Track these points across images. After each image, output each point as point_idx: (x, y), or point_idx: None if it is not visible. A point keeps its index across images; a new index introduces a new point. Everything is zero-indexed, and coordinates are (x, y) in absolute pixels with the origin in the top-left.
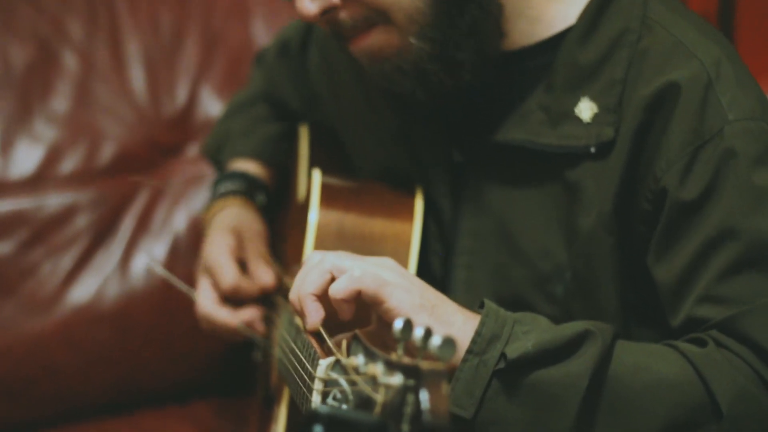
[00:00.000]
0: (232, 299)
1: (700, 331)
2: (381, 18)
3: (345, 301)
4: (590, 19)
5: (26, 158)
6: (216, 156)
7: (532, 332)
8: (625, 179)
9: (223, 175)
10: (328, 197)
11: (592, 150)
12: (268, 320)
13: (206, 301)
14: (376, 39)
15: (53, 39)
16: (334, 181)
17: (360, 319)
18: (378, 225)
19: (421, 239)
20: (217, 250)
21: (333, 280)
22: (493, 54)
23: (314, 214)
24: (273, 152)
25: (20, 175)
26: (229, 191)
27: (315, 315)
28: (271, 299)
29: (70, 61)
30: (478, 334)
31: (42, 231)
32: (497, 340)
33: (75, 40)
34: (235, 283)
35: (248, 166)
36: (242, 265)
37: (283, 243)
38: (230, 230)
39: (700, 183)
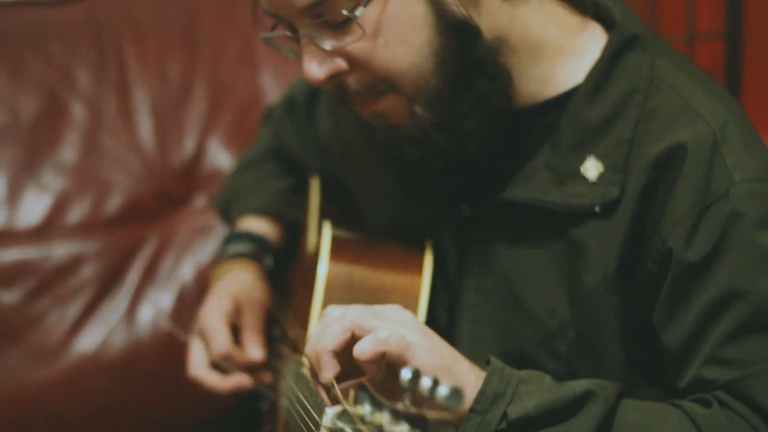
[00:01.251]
0: (222, 365)
1: (706, 392)
2: (388, 86)
3: (369, 362)
4: (598, 79)
5: (34, 207)
6: (226, 212)
7: (535, 392)
8: (630, 239)
9: (233, 235)
10: (338, 249)
11: (597, 209)
12: (275, 370)
13: (196, 365)
14: (384, 106)
15: (61, 89)
16: (344, 233)
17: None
18: (387, 278)
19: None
20: (213, 315)
21: (353, 336)
22: (500, 122)
23: (324, 266)
24: (282, 207)
25: (27, 224)
26: (237, 253)
27: (330, 371)
28: (278, 349)
29: (78, 110)
30: (481, 393)
31: (48, 280)
32: (500, 399)
33: (83, 90)
34: (226, 351)
35: (257, 223)
36: (237, 331)
37: (293, 294)
38: (229, 295)
39: (706, 244)
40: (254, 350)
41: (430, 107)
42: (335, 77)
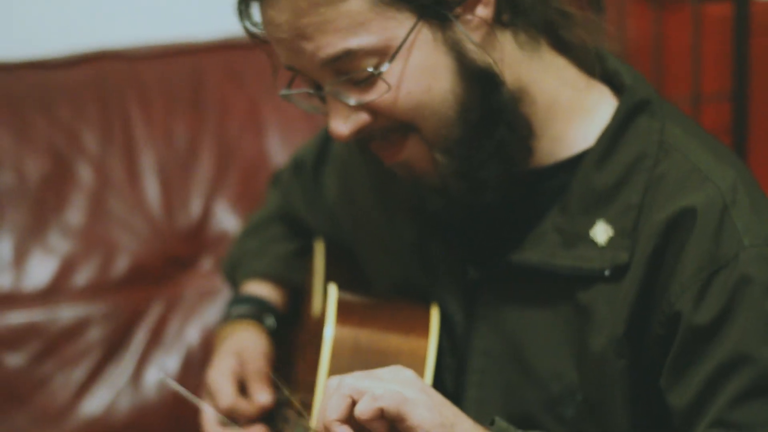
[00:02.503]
0: (234, 419)
1: None
2: (409, 129)
3: (371, 420)
4: (608, 143)
5: (40, 270)
6: (231, 276)
7: None
8: (639, 303)
9: (235, 298)
10: (344, 312)
11: (607, 273)
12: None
13: (209, 425)
14: (406, 154)
15: (68, 151)
16: (349, 296)
17: None
18: (394, 340)
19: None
20: (217, 373)
21: (353, 402)
22: (517, 175)
23: (330, 330)
24: (285, 272)
25: (34, 287)
26: (239, 315)
27: None
28: (284, 414)
29: (84, 173)
30: None
31: (54, 343)
32: None
33: (90, 153)
34: (231, 404)
35: (260, 287)
36: (244, 387)
37: (298, 357)
38: (233, 353)
39: (715, 308)
40: (261, 395)
41: (450, 154)
42: (360, 131)
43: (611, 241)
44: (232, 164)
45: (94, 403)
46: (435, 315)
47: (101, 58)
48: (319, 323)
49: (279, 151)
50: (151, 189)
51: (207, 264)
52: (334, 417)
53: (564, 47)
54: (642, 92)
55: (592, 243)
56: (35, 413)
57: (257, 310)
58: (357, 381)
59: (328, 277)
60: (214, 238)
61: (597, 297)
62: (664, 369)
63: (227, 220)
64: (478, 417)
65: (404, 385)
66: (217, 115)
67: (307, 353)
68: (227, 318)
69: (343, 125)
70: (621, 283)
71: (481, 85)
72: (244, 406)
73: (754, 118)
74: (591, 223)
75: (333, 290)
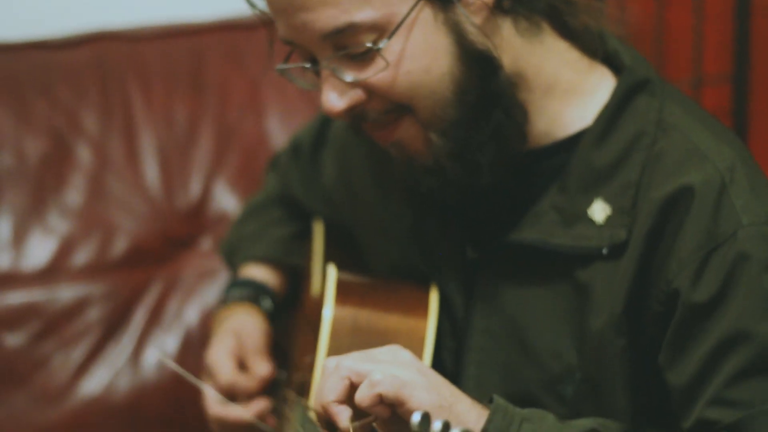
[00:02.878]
0: (236, 396)
1: None
2: (404, 111)
3: (372, 406)
4: (606, 122)
5: (39, 250)
6: (230, 259)
7: (538, 431)
8: (637, 281)
9: (233, 282)
10: (343, 293)
11: (605, 251)
12: (281, 415)
13: (213, 404)
14: (400, 134)
15: (67, 132)
16: (348, 276)
17: None
18: (393, 321)
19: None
20: (216, 352)
21: (351, 383)
22: (513, 157)
23: (329, 310)
24: (283, 254)
25: (33, 267)
26: (236, 298)
27: (343, 415)
28: (283, 394)
29: (84, 153)
30: (484, 431)
31: (54, 323)
32: None
33: (89, 133)
34: (231, 380)
35: (258, 270)
36: (243, 365)
37: (298, 338)
38: (231, 333)
39: (713, 286)
40: (260, 367)
41: (445, 135)
42: (354, 108)
43: (609, 219)
44: (231, 145)
45: (93, 383)
46: (434, 295)
47: (101, 39)
48: (318, 304)
49: (279, 133)
50: (151, 169)
51: (206, 244)
52: (332, 398)
53: (566, 31)
54: (641, 72)
55: (591, 221)
56: (34, 393)
57: (254, 293)
58: (355, 363)
59: (327, 258)
60: (214, 218)
61: (596, 276)
62: (663, 347)
63: (227, 201)
64: (477, 396)
65: (402, 368)
66: (218, 96)
67: (306, 334)
68: (225, 301)
69: (337, 101)
70: (619, 261)
71: (479, 68)
72: (244, 383)
73: (754, 100)
74: (589, 202)
75: (332, 271)
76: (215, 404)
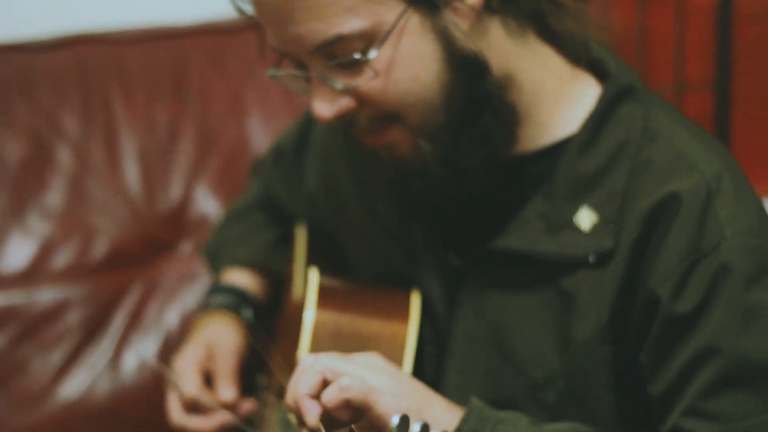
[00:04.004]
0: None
1: None
2: (394, 119)
3: (337, 409)
4: (592, 130)
5: (19, 253)
6: (213, 264)
7: None
8: (623, 290)
9: (215, 287)
10: (325, 297)
11: (591, 260)
12: (261, 418)
13: (175, 413)
14: (390, 138)
15: (48, 134)
16: (330, 281)
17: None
18: (375, 326)
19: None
20: (184, 362)
21: (325, 380)
22: (500, 161)
23: (311, 314)
24: (266, 260)
25: (13, 269)
26: (216, 305)
27: (313, 411)
28: (263, 398)
29: (64, 156)
30: (458, 431)
31: (33, 326)
32: None
33: (70, 136)
34: (194, 394)
35: (241, 276)
36: (210, 379)
37: (279, 342)
38: (203, 344)
39: (694, 298)
40: (225, 391)
41: (434, 141)
42: (344, 116)
43: (595, 227)
44: (213, 149)
45: (73, 386)
46: (416, 301)
47: (83, 41)
48: (300, 308)
49: (260, 137)
50: (132, 173)
51: (186, 248)
52: (304, 392)
53: (550, 36)
54: (626, 79)
55: (576, 229)
56: (13, 396)
57: (236, 302)
58: (331, 361)
59: (310, 263)
60: (194, 222)
61: (581, 284)
62: (642, 354)
63: (207, 205)
64: (458, 403)
65: (373, 372)
66: (199, 100)
67: (288, 337)
68: (206, 306)
69: (326, 108)
70: (606, 270)
71: (467, 73)
72: (207, 399)
73: (736, 106)
74: (575, 209)
75: (314, 275)
76: (177, 413)
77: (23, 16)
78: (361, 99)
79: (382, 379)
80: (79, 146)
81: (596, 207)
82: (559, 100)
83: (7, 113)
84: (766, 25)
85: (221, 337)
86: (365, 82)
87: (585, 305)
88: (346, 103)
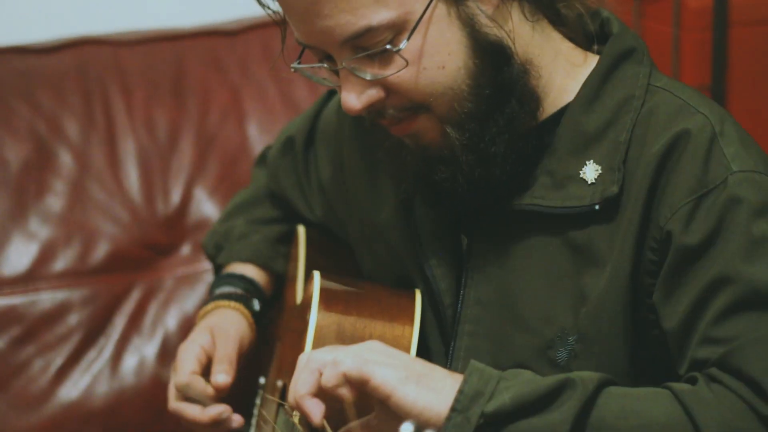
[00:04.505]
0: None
1: (700, 372)
2: (422, 108)
3: (337, 387)
4: (593, 89)
5: (20, 255)
6: (214, 257)
7: (513, 387)
8: (640, 236)
9: (222, 276)
10: (328, 299)
11: (597, 207)
12: (262, 418)
13: (171, 400)
14: (417, 127)
15: (49, 137)
16: (333, 283)
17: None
18: (377, 328)
19: (421, 338)
20: (186, 349)
21: (321, 375)
22: (523, 145)
23: (314, 316)
24: (271, 256)
25: (13, 271)
26: (224, 294)
27: (316, 410)
28: (264, 397)
29: (65, 159)
30: (461, 392)
31: (33, 328)
32: (480, 397)
33: (71, 139)
34: (186, 381)
35: (247, 269)
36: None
37: (280, 342)
38: (208, 330)
39: (704, 229)
40: (219, 376)
41: (461, 128)
42: (372, 106)
43: (600, 176)
44: (212, 152)
45: (73, 389)
46: (418, 303)
47: (83, 44)
48: (303, 309)
49: (259, 139)
50: (132, 176)
51: (186, 251)
52: (305, 392)
53: (559, 21)
54: (629, 41)
55: (582, 181)
56: (13, 398)
57: (245, 291)
58: (323, 354)
59: (310, 264)
60: (194, 225)
61: (593, 235)
62: (655, 291)
63: (207, 208)
64: (466, 366)
65: (366, 350)
66: (199, 103)
67: (290, 339)
68: (212, 295)
69: (356, 99)
70: (618, 219)
71: (493, 60)
72: (200, 386)
73: (732, 110)
74: (581, 165)
75: (317, 277)
76: (173, 399)
77: (24, 19)
78: (390, 89)
79: (377, 353)
80: (80, 149)
81: (600, 160)
82: (568, 82)
83: (8, 116)
84: (762, 28)
85: (227, 325)
86: (395, 71)
87: (601, 257)
88: (374, 93)
